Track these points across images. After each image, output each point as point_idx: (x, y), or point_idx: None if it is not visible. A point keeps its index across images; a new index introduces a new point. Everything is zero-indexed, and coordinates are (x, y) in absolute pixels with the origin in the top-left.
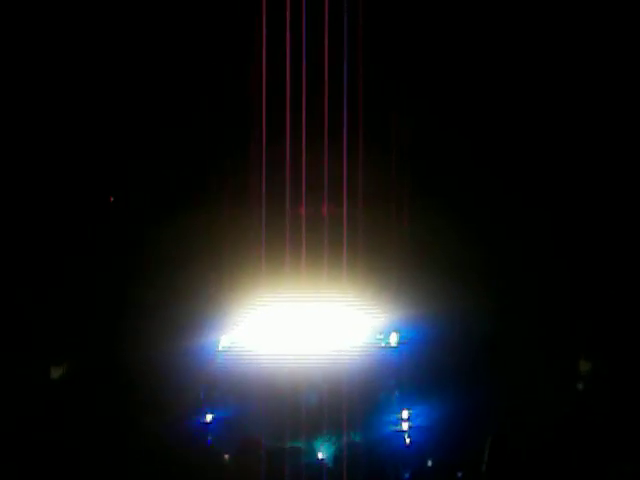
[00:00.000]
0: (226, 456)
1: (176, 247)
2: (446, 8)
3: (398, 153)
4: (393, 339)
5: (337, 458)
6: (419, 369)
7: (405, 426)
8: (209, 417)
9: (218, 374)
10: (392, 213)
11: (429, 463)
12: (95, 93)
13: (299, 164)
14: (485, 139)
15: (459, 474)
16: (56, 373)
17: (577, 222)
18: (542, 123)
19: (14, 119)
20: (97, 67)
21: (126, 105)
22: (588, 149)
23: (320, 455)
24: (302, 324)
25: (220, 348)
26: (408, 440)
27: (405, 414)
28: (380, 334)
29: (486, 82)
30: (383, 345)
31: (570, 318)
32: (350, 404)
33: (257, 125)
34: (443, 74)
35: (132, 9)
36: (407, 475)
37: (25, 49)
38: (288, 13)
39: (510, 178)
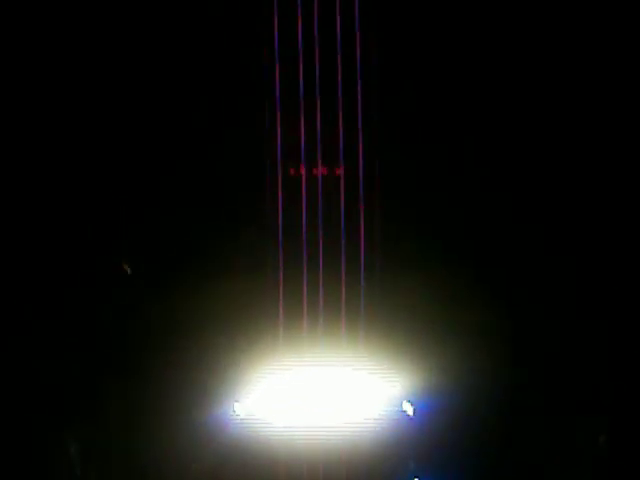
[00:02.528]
0: None
1: (188, 312)
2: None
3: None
4: (409, 408)
5: None
6: (433, 440)
7: None
8: None
9: (231, 444)
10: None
11: None
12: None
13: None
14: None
15: None
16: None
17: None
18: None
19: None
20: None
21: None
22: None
23: None
24: (318, 391)
25: (234, 417)
26: None
27: None
28: (396, 403)
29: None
30: (399, 414)
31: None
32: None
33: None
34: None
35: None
36: None
37: (34, 49)
38: None
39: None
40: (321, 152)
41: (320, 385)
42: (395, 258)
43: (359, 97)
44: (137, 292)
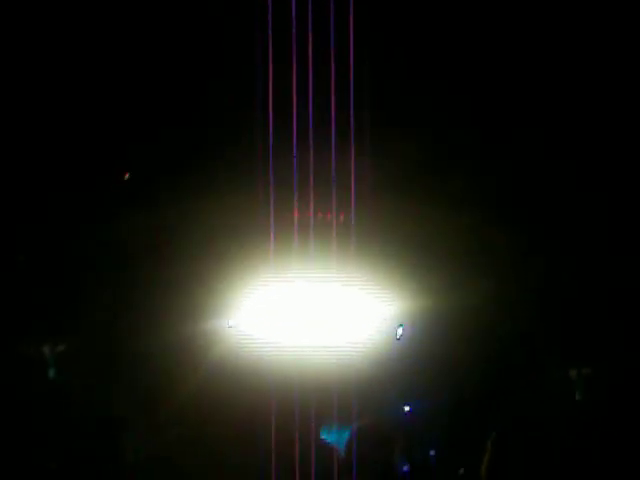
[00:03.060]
0: None
1: (178, 229)
2: None
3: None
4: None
5: (347, 444)
6: (425, 361)
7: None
8: None
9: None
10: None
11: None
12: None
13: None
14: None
15: (461, 471)
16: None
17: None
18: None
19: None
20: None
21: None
22: None
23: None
24: (310, 308)
25: (226, 332)
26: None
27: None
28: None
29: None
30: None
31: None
32: (359, 393)
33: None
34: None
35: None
36: (406, 468)
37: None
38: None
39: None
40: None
41: (312, 302)
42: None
43: None
44: (125, 206)
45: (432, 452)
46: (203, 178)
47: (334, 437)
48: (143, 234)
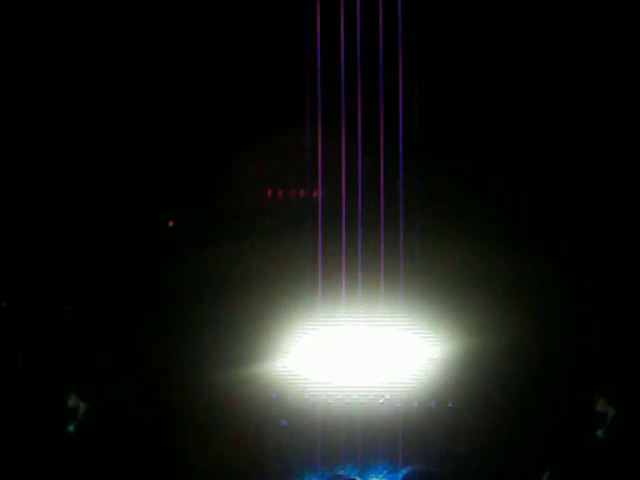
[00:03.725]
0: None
1: (234, 272)
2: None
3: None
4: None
5: None
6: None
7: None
8: None
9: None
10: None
11: None
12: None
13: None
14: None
15: None
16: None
17: None
18: None
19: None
20: None
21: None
22: None
23: None
24: (357, 350)
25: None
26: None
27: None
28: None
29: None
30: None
31: None
32: (404, 433)
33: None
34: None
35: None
36: None
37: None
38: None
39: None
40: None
41: (359, 344)
42: (435, 218)
43: None
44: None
45: None
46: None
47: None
48: (199, 275)
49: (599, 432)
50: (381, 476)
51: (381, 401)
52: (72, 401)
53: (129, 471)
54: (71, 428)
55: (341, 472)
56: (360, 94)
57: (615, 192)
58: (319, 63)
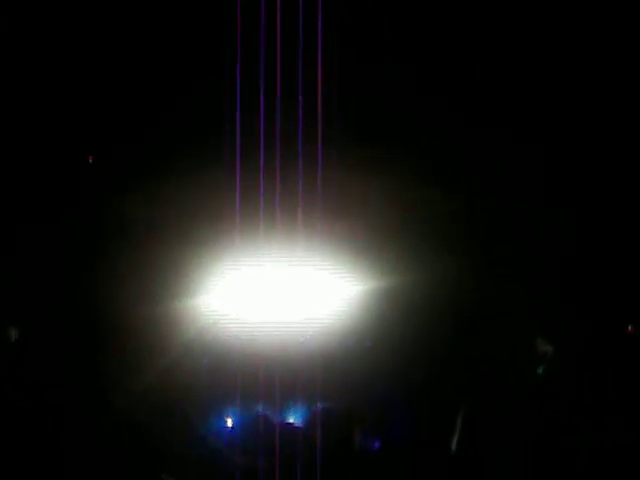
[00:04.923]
0: None
1: (147, 211)
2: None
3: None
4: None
5: (310, 423)
6: (393, 340)
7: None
8: None
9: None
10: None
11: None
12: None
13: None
14: None
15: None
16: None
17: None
18: None
19: None
20: None
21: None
22: None
23: (292, 420)
24: (276, 288)
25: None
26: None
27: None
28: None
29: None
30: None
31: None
32: (323, 370)
33: None
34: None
35: None
36: (377, 444)
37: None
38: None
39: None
40: None
41: (278, 282)
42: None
43: None
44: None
45: (400, 431)
46: (177, 163)
47: (299, 416)
48: (118, 219)
49: (539, 371)
50: (298, 414)
51: (301, 339)
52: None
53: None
54: None
55: (260, 410)
56: None
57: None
58: None
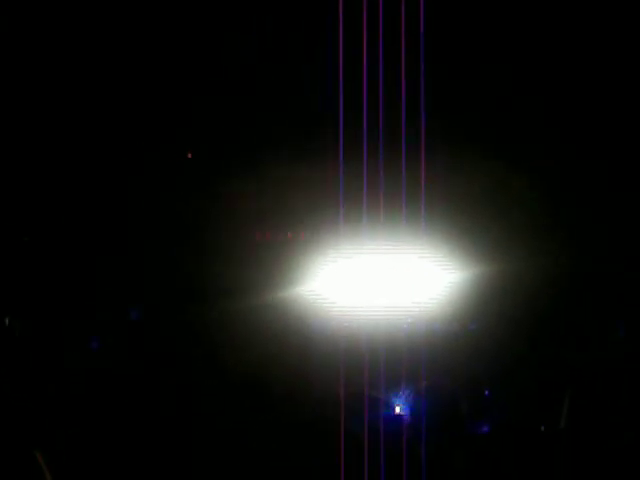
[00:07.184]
0: None
1: (254, 200)
2: None
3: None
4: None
5: (416, 403)
6: (493, 325)
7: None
8: None
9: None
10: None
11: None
12: None
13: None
14: None
15: (542, 428)
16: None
17: None
18: None
19: None
20: None
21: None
22: None
23: (398, 408)
24: (379, 276)
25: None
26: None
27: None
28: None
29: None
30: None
31: None
32: (427, 357)
33: None
34: None
35: None
36: (486, 428)
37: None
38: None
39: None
40: None
41: (381, 270)
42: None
43: None
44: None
45: (504, 412)
46: (280, 152)
47: (402, 397)
48: (221, 205)
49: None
50: (404, 397)
51: (405, 325)
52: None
53: None
54: None
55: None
56: None
57: None
58: None
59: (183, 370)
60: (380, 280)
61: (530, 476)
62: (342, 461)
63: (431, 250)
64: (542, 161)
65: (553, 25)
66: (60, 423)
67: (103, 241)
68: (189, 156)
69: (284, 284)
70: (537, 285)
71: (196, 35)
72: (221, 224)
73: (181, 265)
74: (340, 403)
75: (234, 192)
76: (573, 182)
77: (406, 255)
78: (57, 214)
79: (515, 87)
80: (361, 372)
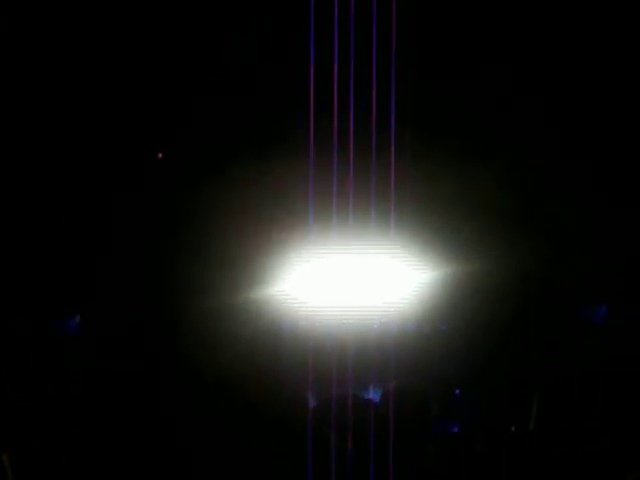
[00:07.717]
0: None
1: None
2: None
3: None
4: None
5: (384, 400)
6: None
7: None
8: None
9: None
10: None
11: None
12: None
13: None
14: None
15: (512, 428)
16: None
17: None
18: None
19: None
20: None
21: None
22: None
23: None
24: (350, 276)
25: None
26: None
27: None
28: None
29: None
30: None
31: None
32: (398, 357)
33: None
34: None
35: None
36: (456, 428)
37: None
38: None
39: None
40: None
41: (351, 270)
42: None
43: None
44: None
45: (474, 412)
46: (250, 152)
47: (372, 394)
48: (188, 206)
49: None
50: (373, 392)
51: (376, 325)
52: None
53: None
54: None
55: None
56: None
57: None
58: None
59: (157, 370)
60: (350, 280)
61: (500, 476)
62: (310, 461)
63: (402, 250)
64: (514, 160)
65: (547, 25)
66: (60, 423)
67: (93, 240)
68: (159, 156)
69: (255, 284)
70: (508, 285)
71: (196, 35)
72: (199, 224)
73: (153, 265)
74: (308, 403)
75: (208, 192)
76: (546, 182)
77: (377, 255)
78: (55, 213)
79: (489, 85)
80: (330, 372)
